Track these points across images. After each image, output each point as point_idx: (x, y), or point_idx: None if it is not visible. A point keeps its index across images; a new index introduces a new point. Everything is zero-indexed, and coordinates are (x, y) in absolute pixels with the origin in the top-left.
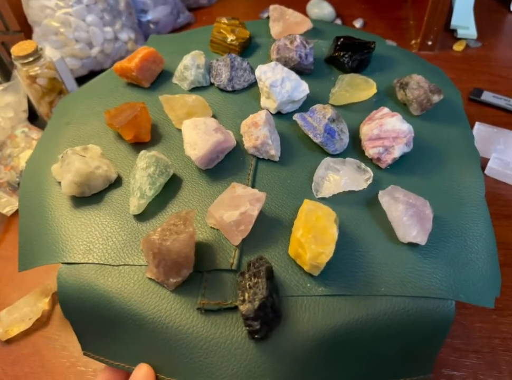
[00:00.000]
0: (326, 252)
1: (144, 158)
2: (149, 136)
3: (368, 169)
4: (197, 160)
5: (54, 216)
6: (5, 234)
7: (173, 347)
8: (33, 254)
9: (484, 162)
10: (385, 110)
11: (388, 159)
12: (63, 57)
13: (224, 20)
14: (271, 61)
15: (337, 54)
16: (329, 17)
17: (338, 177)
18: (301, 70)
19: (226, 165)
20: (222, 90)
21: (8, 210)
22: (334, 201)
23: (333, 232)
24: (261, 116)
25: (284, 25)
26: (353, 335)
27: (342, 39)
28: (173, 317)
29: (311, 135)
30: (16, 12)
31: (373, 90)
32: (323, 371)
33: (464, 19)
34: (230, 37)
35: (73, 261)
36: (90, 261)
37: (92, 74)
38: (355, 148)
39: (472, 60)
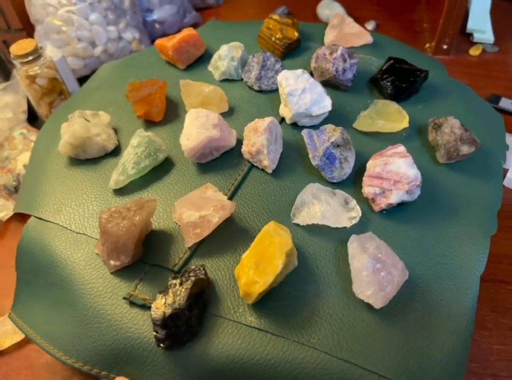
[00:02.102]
0: (261, 282)
1: (138, 136)
2: (160, 116)
3: (358, 208)
4: (186, 151)
5: (46, 170)
6: (0, 240)
7: (90, 326)
8: (22, 200)
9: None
10: (400, 148)
11: (382, 203)
12: (65, 57)
13: (276, 16)
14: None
15: (379, 76)
16: None
17: (318, 207)
18: (336, 84)
19: (219, 163)
20: (250, 88)
21: (3, 215)
22: (311, 231)
23: (278, 264)
24: (263, 123)
25: (339, 34)
26: (263, 377)
27: (392, 61)
28: (101, 299)
29: (310, 156)
30: (18, 10)
31: (404, 124)
32: None
33: (480, 23)
34: (276, 36)
35: (41, 217)
36: (55, 221)
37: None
38: (357, 181)
39: (489, 66)
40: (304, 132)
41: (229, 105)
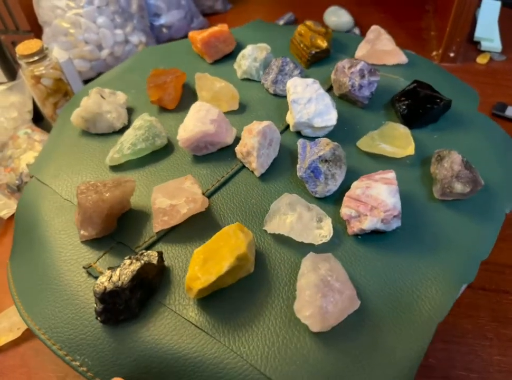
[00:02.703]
0: (202, 279)
1: (141, 119)
2: (173, 104)
3: (330, 227)
4: (180, 141)
5: (58, 138)
6: (2, 237)
7: (49, 288)
8: (34, 163)
9: None
10: (390, 174)
11: (355, 226)
12: (71, 59)
13: (310, 23)
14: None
15: (397, 98)
16: (347, 26)
17: (290, 218)
18: (352, 100)
19: (213, 158)
20: (266, 90)
21: (5, 213)
22: (279, 240)
23: (224, 266)
24: (258, 126)
25: (371, 49)
26: (184, 372)
27: (415, 85)
28: (64, 264)
29: (297, 166)
30: (27, 12)
31: (409, 151)
32: None
33: (488, 31)
34: (305, 43)
35: (39, 179)
36: (49, 185)
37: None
38: (341, 200)
39: (496, 74)
40: (299, 142)
41: (242, 104)
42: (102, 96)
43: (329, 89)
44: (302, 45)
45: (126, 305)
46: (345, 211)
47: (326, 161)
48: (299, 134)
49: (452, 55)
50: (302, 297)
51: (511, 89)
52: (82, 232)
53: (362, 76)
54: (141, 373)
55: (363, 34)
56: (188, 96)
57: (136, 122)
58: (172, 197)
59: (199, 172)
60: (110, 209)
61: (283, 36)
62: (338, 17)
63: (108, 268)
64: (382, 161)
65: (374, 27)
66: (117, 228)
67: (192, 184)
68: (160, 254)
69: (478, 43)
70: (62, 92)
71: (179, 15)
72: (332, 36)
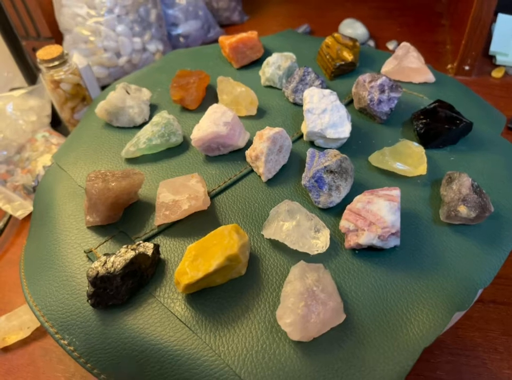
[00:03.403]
0: (190, 275)
1: (160, 116)
2: (194, 105)
3: (327, 239)
4: (193, 140)
5: (83, 127)
6: (16, 237)
7: (49, 268)
8: (58, 150)
9: None
10: (395, 191)
11: (352, 240)
12: (90, 65)
13: (338, 35)
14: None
15: (415, 116)
16: (362, 38)
17: (287, 225)
18: (371, 115)
19: (224, 160)
20: (287, 99)
21: (20, 213)
22: (276, 246)
23: (212, 264)
24: (269, 131)
25: (397, 65)
26: (162, 364)
27: (437, 104)
28: (68, 246)
29: (303, 175)
30: (48, 19)
31: (420, 171)
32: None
33: (503, 46)
34: (331, 54)
35: (59, 164)
36: (67, 170)
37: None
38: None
39: (511, 88)
40: (309, 151)
41: (261, 110)
42: (127, 92)
43: (350, 103)
44: (328, 57)
45: (116, 292)
46: (344, 224)
47: (331, 172)
48: (312, 144)
49: (467, 68)
50: (285, 304)
51: None
52: (87, 218)
53: (382, 91)
54: (123, 358)
55: (378, 46)
56: (210, 98)
57: (155, 119)
58: (176, 192)
59: (209, 172)
60: (115, 198)
61: (311, 47)
62: (353, 29)
63: (104, 254)
64: (392, 178)
65: (403, 44)
66: (123, 217)
67: (197, 183)
68: (156, 247)
69: (493, 56)
70: (80, 97)
71: (196, 25)
72: (360, 50)
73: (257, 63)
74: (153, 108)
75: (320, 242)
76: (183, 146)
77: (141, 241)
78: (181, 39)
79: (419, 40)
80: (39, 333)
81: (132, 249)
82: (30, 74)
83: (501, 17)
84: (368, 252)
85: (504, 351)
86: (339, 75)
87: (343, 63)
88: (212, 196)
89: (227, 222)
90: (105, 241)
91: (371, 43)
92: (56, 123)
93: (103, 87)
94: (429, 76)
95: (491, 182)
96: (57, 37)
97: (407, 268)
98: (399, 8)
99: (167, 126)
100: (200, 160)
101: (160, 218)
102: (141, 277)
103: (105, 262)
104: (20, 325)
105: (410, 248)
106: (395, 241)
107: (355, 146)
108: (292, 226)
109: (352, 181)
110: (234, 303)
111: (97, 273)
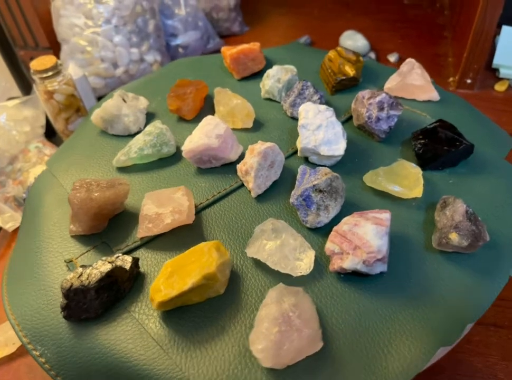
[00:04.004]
0: (163, 293)
1: (153, 125)
2: (191, 115)
3: (311, 261)
4: (184, 152)
5: (78, 134)
6: (6, 249)
7: (30, 276)
8: (52, 155)
9: None
10: (385, 215)
11: (335, 264)
12: (86, 75)
13: (341, 49)
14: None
15: (414, 135)
16: (363, 50)
17: (270, 244)
18: (370, 132)
19: (215, 173)
20: (284, 112)
21: (10, 225)
22: (260, 265)
23: (188, 283)
24: (261, 146)
25: (401, 82)
26: None
27: (438, 124)
28: (50, 255)
29: (292, 192)
30: (47, 30)
31: (415, 194)
32: None
33: (507, 59)
34: (332, 69)
35: (50, 170)
36: (58, 178)
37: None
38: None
39: None
40: (300, 168)
41: (259, 123)
42: (124, 100)
43: (349, 119)
44: (329, 71)
45: (89, 305)
46: (329, 246)
47: (320, 191)
48: (306, 160)
49: (469, 81)
50: (259, 328)
51: None
52: (71, 227)
53: (381, 109)
54: (94, 373)
55: (379, 58)
56: (208, 109)
57: (148, 128)
58: (160, 205)
59: (198, 185)
60: (98, 208)
61: (315, 60)
62: (354, 41)
63: (81, 266)
64: (386, 200)
65: (409, 60)
66: (108, 227)
67: (182, 196)
68: (135, 260)
69: (497, 69)
70: (74, 107)
71: (195, 35)
72: (364, 65)
73: (259, 74)
74: (151, 117)
75: (304, 264)
76: (177, 156)
77: (120, 254)
78: (180, 50)
79: (420, 53)
80: (24, 350)
81: (109, 262)
82: (25, 84)
83: (505, 29)
84: (353, 276)
85: (504, 377)
86: (340, 90)
87: (344, 77)
88: (199, 210)
89: (212, 238)
90: (86, 252)
91: (372, 55)
92: (51, 133)
93: (100, 98)
94: (433, 94)
95: (489, 208)
96: (55, 47)
97: (393, 296)
98: (401, 20)
99: (159, 137)
100: (192, 171)
101: (143, 230)
102: (117, 291)
103: (81, 274)
104: (6, 341)
105: (398, 275)
106: (381, 268)
107: (350, 164)
108: (276, 245)
109: (343, 201)
110: (210, 324)
111: (71, 285)
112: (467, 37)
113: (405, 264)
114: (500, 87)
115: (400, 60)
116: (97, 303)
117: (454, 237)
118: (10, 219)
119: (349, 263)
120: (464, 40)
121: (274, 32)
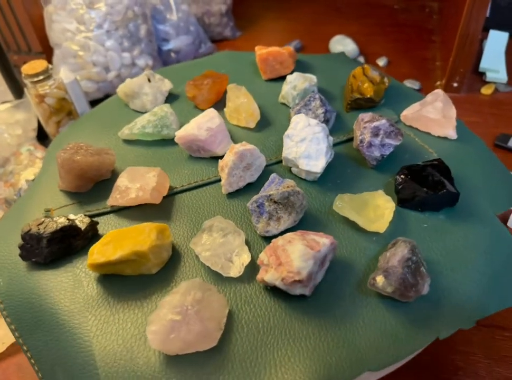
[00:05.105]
0: (93, 257)
1: (160, 107)
2: (205, 105)
3: (242, 267)
4: (175, 137)
5: (108, 104)
6: None
7: (15, 220)
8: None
9: (507, 214)
10: (325, 240)
11: (261, 275)
12: (77, 79)
13: (368, 67)
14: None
15: (401, 169)
16: (352, 54)
17: (210, 240)
18: (363, 155)
19: (201, 163)
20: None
21: None
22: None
23: (117, 254)
24: (240, 147)
25: (418, 112)
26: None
27: (433, 163)
28: (38, 204)
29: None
30: (40, 34)
31: (376, 228)
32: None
33: (494, 62)
34: (352, 86)
35: (68, 134)
36: (69, 140)
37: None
38: None
39: (501, 105)
40: (271, 175)
41: (264, 125)
42: (149, 79)
43: (351, 140)
44: (350, 87)
45: (40, 251)
46: (261, 256)
47: (275, 202)
48: (290, 170)
49: (455, 85)
50: (158, 311)
51: None
52: (59, 181)
53: (375, 135)
54: (27, 310)
55: (368, 62)
56: (224, 102)
57: (155, 109)
58: (132, 180)
59: (181, 171)
60: (81, 170)
61: (346, 72)
62: (343, 46)
63: (46, 216)
64: (349, 227)
65: (437, 91)
66: (92, 190)
67: (153, 176)
68: (92, 223)
69: (483, 73)
70: (65, 111)
71: (187, 40)
72: (390, 86)
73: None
74: (173, 99)
75: (234, 267)
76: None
77: (82, 215)
78: (172, 55)
79: (409, 57)
80: (14, 349)
81: (68, 219)
82: (18, 88)
83: (493, 33)
84: (278, 292)
85: (486, 375)
86: (356, 108)
87: (360, 96)
88: (173, 194)
89: (174, 221)
90: (64, 206)
91: (361, 59)
92: (43, 136)
93: (92, 102)
94: (449, 132)
95: (452, 265)
96: (48, 52)
97: (305, 322)
98: (391, 25)
99: (162, 119)
100: (183, 157)
101: (112, 199)
102: (69, 246)
103: (42, 223)
104: None
105: (320, 304)
106: (301, 290)
107: (330, 184)
108: (214, 242)
109: (299, 217)
110: (132, 297)
111: (29, 230)
112: (454, 41)
113: (333, 295)
114: (486, 90)
115: (389, 64)
116: (47, 251)
117: (379, 280)
118: None
119: (270, 277)
120: (451, 45)
121: (266, 37)
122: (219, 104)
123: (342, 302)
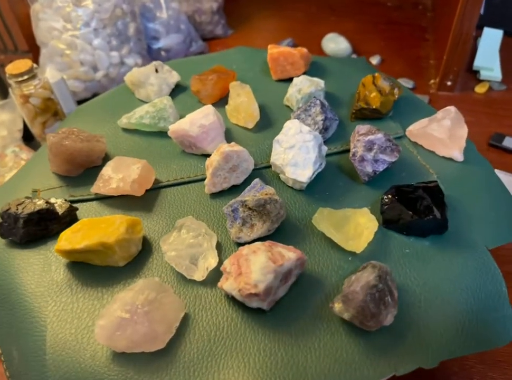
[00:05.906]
0: (61, 243)
1: (160, 99)
2: (208, 101)
3: (205, 271)
4: (169, 131)
5: (117, 91)
6: None
7: (5, 197)
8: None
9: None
10: (292, 254)
11: (221, 283)
12: (64, 79)
13: (379, 76)
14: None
15: (390, 189)
16: (345, 53)
17: (177, 241)
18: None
19: (192, 159)
20: None
21: None
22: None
23: (83, 244)
24: (226, 148)
25: (423, 129)
26: (14, 304)
27: (427, 185)
28: (29, 184)
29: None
30: (26, 33)
31: (352, 247)
32: None
33: (488, 61)
34: (360, 94)
35: (73, 117)
36: (76, 123)
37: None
38: None
39: (495, 104)
40: (254, 180)
41: (264, 126)
42: (157, 70)
43: (348, 151)
44: (357, 95)
45: (17, 231)
46: (226, 263)
47: (249, 208)
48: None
49: (449, 83)
50: (109, 306)
51: (509, 119)
52: (50, 163)
53: (369, 149)
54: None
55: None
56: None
57: (155, 101)
58: (116, 170)
59: (170, 165)
60: (70, 155)
61: (358, 79)
62: (336, 44)
63: (27, 197)
64: (326, 243)
65: (449, 108)
66: (82, 175)
67: (137, 169)
68: (71, 209)
69: (477, 71)
70: (51, 111)
71: (178, 39)
72: (401, 97)
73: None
74: (179, 92)
75: (198, 270)
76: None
77: (62, 199)
78: (163, 53)
79: (403, 55)
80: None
81: (46, 203)
82: (3, 88)
83: (487, 31)
84: (240, 303)
85: None
86: (361, 118)
87: (365, 107)
88: (157, 187)
89: (152, 216)
90: (51, 189)
91: (354, 57)
92: (29, 138)
93: (80, 102)
94: (454, 153)
95: (426, 297)
96: (35, 51)
97: (258, 337)
98: (384, 23)
99: (159, 111)
100: (175, 152)
101: (96, 187)
102: (45, 229)
103: (21, 203)
104: None
105: (279, 320)
106: (258, 304)
107: (318, 195)
108: (182, 243)
109: (274, 227)
110: (95, 287)
111: (8, 209)
112: (447, 39)
113: (294, 313)
114: (480, 89)
115: (382, 62)
116: (23, 231)
117: (337, 305)
118: None
119: (228, 286)
120: (444, 43)
121: (258, 35)
122: (224, 100)
123: (301, 320)
